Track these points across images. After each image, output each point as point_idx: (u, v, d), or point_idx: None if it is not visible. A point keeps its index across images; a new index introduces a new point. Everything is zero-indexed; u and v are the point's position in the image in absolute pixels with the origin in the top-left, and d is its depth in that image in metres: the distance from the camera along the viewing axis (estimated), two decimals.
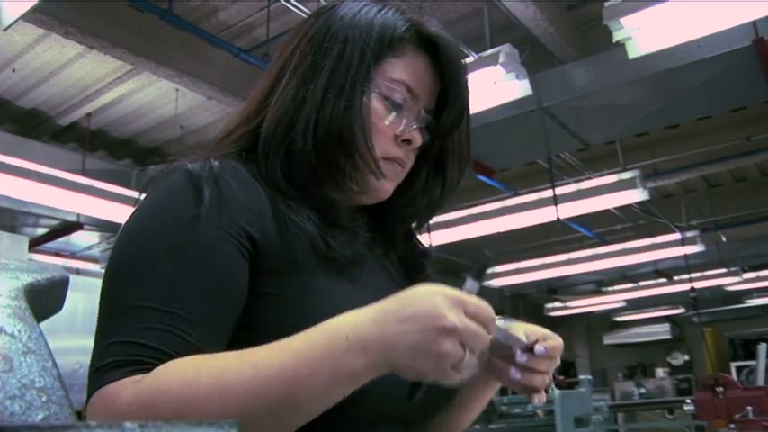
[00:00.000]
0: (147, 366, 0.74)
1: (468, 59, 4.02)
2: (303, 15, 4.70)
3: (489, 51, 4.02)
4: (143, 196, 0.90)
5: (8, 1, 3.71)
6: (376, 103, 0.97)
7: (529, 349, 0.91)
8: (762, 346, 3.72)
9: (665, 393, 13.14)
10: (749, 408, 2.48)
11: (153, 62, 4.92)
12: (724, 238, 10.38)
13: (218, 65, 5.20)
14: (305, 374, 0.72)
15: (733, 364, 11.74)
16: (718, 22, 3.66)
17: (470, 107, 1.06)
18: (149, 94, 6.20)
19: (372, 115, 0.96)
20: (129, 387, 0.72)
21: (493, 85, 4.08)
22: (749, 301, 12.88)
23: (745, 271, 11.13)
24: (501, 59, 3.92)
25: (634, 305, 13.16)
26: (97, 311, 0.82)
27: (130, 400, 0.71)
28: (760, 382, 3.33)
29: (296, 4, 4.50)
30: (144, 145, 7.23)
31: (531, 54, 4.95)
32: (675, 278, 10.28)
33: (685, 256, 8.72)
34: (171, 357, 0.75)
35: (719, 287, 11.75)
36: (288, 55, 1.01)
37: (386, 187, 1.02)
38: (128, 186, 6.08)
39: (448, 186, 1.10)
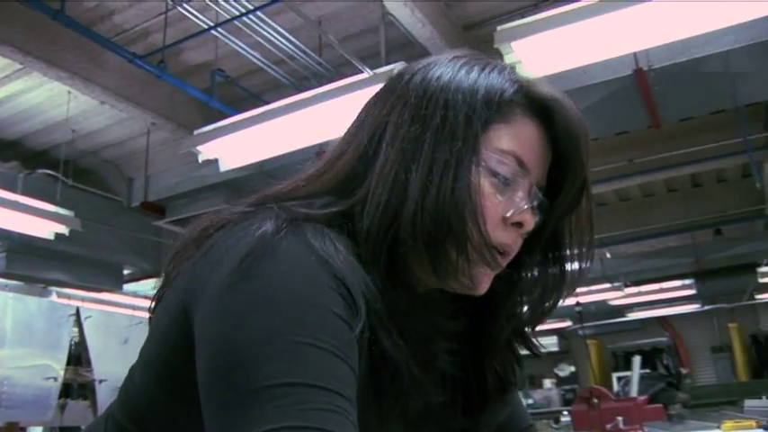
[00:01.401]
0: None
1: (363, 76, 4.08)
2: (201, 24, 4.74)
3: (384, 68, 4.09)
4: (223, 246, 0.75)
5: None
6: (482, 180, 0.82)
7: None
8: (636, 358, 3.93)
9: (551, 404, 13.54)
10: (620, 418, 2.63)
11: (43, 62, 4.77)
12: (609, 255, 10.84)
13: (113, 69, 5.10)
14: None
15: (615, 375, 12.24)
16: (602, 51, 3.85)
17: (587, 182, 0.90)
18: (39, 96, 6.00)
19: (478, 194, 0.81)
20: None
21: None
22: (630, 314, 13.49)
23: (627, 286, 11.64)
24: None
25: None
26: (204, 391, 0.67)
27: None
28: (634, 391, 3.52)
29: (193, 11, 4.47)
30: (32, 147, 6.98)
31: None
32: None
33: None
34: None
35: (604, 301, 12.27)
36: (380, 119, 0.87)
37: (486, 280, 0.86)
38: (13, 190, 5.86)
39: (566, 277, 0.94)
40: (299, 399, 0.62)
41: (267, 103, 4.79)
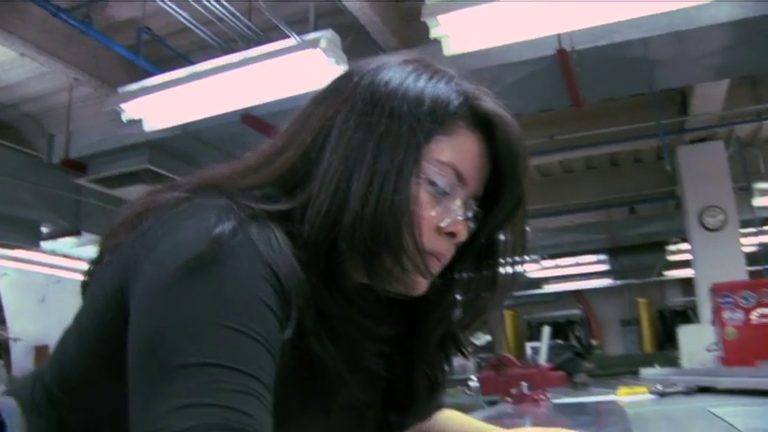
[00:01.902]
0: None
1: (291, 42, 4.08)
2: None
3: (312, 35, 4.10)
4: (160, 230, 0.78)
5: None
6: (421, 191, 0.84)
7: None
8: (546, 328, 4.12)
9: (467, 371, 13.84)
10: (524, 384, 2.78)
11: None
12: (528, 228, 11.12)
13: (35, 21, 4.95)
14: None
15: (528, 345, 12.63)
16: (527, 31, 3.96)
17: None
18: None
19: (416, 205, 0.84)
20: None
21: (312, 70, 4.16)
22: (546, 287, 13.89)
23: (544, 259, 11.98)
24: (322, 44, 3.98)
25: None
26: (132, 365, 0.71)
27: None
28: (542, 359, 3.69)
29: None
30: None
31: (355, 41, 5.09)
32: None
33: None
34: (258, 423, 0.65)
35: (521, 273, 12.59)
36: (325, 120, 0.88)
37: (421, 284, 0.88)
38: None
39: (499, 282, 0.97)
40: (218, 379, 0.65)
41: (194, 63, 4.74)
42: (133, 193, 6.86)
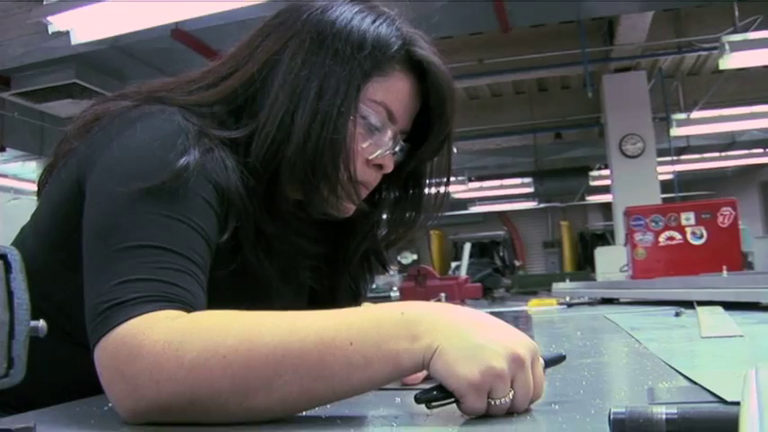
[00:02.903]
0: (176, 305, 0.72)
1: None
2: None
3: None
4: (114, 130, 0.86)
5: None
6: (356, 127, 0.92)
7: None
8: (467, 245, 4.33)
9: (392, 286, 14.20)
10: (443, 294, 2.95)
11: None
12: (455, 149, 11.29)
13: None
14: (344, 340, 0.66)
15: (453, 264, 12.98)
16: None
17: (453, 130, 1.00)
18: None
19: (351, 140, 0.91)
20: (162, 321, 0.70)
21: None
22: (472, 208, 14.22)
23: (470, 181, 12.20)
24: None
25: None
26: (86, 248, 0.80)
27: (159, 337, 0.68)
28: (462, 274, 3.90)
29: None
30: None
31: None
32: None
33: None
34: (194, 297, 0.75)
35: (445, 198, 12.81)
36: (272, 54, 0.94)
37: (350, 209, 0.98)
38: None
39: (424, 209, 1.06)
40: (159, 259, 0.74)
41: None
42: (59, 107, 6.73)
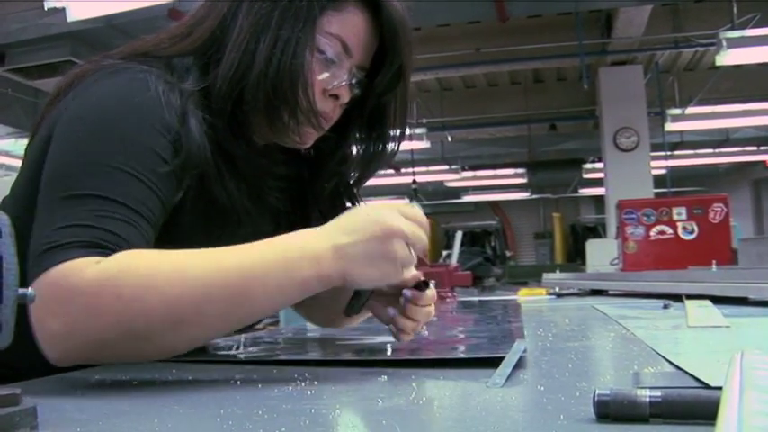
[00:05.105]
0: (109, 252, 0.77)
1: None
2: None
3: None
4: (83, 86, 0.92)
5: None
6: (313, 58, 0.97)
7: (417, 286, 0.95)
8: (458, 233, 4.31)
9: None
10: (432, 281, 2.95)
11: None
12: (450, 138, 11.32)
13: None
14: (261, 272, 0.78)
15: (445, 252, 12.99)
16: None
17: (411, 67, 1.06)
18: None
19: (309, 70, 0.97)
20: (92, 266, 0.74)
21: None
22: (465, 197, 14.25)
23: (464, 170, 12.22)
24: None
25: (363, 193, 13.97)
26: (39, 195, 0.85)
27: (93, 276, 0.73)
28: (453, 262, 3.89)
29: None
30: None
31: None
32: (402, 171, 11.03)
33: (411, 151, 9.38)
34: (130, 246, 0.79)
35: (441, 182, 12.84)
36: None
37: (311, 135, 1.04)
38: None
39: (384, 144, 1.12)
40: (102, 207, 0.79)
41: None
42: (53, 84, 6.69)
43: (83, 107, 0.89)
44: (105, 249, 0.77)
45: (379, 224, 0.81)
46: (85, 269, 0.74)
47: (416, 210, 0.84)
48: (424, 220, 0.85)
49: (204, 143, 0.93)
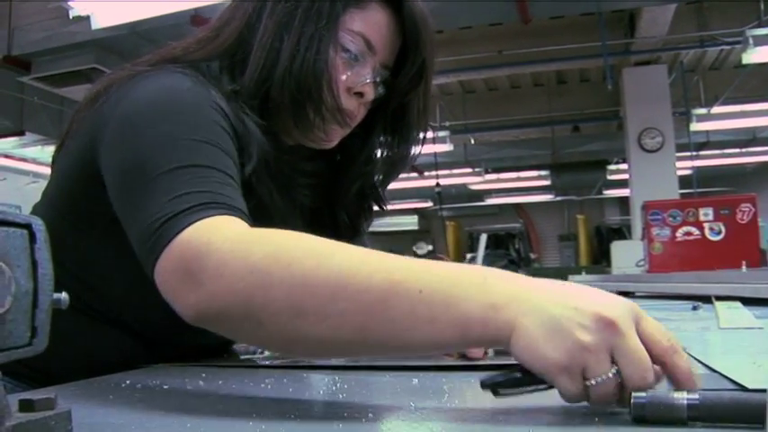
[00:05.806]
0: (233, 212, 0.75)
1: None
2: None
3: None
4: (124, 90, 0.91)
5: None
6: (337, 55, 0.98)
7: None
8: (483, 236, 4.29)
9: None
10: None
11: None
12: (473, 141, 11.29)
13: None
14: (413, 286, 0.60)
15: (468, 255, 12.97)
16: None
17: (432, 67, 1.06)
18: None
19: (333, 67, 0.97)
20: (229, 225, 0.72)
21: None
22: (488, 199, 14.20)
23: (487, 172, 12.18)
24: None
25: (386, 196, 14.00)
26: (117, 198, 0.83)
27: (228, 236, 0.69)
28: (478, 264, 3.88)
29: None
30: None
31: None
32: (426, 174, 11.01)
33: (434, 154, 9.37)
34: (241, 207, 0.77)
35: (464, 185, 12.82)
36: None
37: (336, 133, 1.04)
38: None
39: (407, 145, 1.11)
40: (200, 174, 0.77)
41: None
42: (78, 92, 6.75)
43: (135, 104, 0.87)
44: (230, 209, 0.75)
45: (597, 302, 0.55)
46: (222, 228, 0.71)
47: (657, 330, 0.56)
48: (663, 346, 0.56)
49: (262, 138, 0.95)
